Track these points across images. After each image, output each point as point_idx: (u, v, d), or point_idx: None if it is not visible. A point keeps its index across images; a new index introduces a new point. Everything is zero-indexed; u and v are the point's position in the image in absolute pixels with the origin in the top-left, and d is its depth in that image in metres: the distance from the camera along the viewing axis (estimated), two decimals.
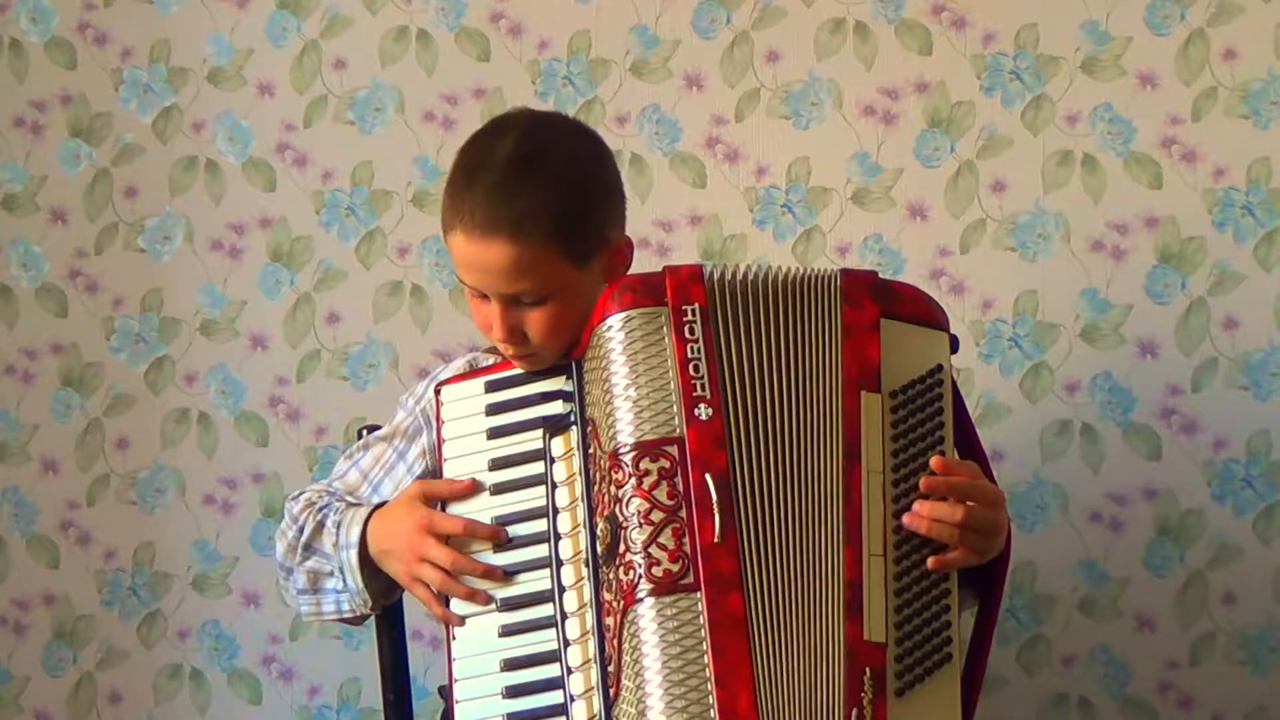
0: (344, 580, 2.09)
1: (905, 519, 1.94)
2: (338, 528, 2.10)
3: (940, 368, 2.02)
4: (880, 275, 2.06)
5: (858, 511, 1.93)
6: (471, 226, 1.99)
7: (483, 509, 2.02)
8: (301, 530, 2.13)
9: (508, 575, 1.99)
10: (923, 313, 2.04)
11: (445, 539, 2.01)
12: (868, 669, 1.89)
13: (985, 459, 2.09)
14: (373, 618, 2.22)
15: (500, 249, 1.98)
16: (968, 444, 2.07)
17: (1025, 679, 2.76)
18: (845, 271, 2.03)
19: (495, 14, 2.85)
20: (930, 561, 1.94)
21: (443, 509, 2.04)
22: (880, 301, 2.02)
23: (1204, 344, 2.72)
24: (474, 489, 2.02)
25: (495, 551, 2.00)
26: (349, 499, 2.17)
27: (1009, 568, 2.08)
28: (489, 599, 2.00)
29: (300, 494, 2.19)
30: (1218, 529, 2.72)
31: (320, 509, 2.14)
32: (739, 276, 2.00)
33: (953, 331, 2.06)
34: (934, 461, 1.97)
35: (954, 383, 2.05)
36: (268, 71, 2.90)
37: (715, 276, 2.00)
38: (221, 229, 2.92)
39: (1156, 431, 2.73)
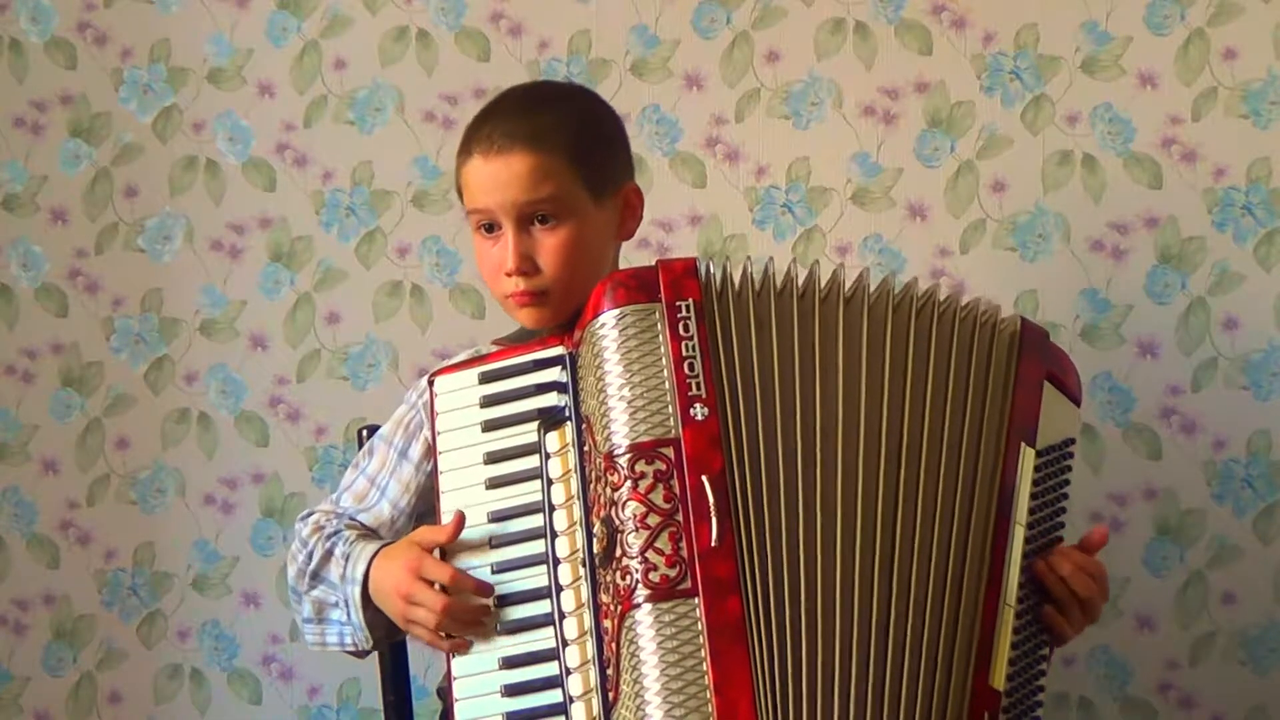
0: (348, 614, 2.08)
1: (1040, 569, 1.97)
2: (345, 560, 2.08)
3: (1073, 440, 2.07)
4: (1050, 336, 2.10)
5: (1002, 559, 1.95)
6: (489, 146, 2.06)
7: (478, 503, 2.00)
8: (311, 556, 2.12)
9: (505, 570, 1.98)
10: (1073, 384, 2.10)
11: (435, 582, 1.99)
12: (985, 713, 1.90)
13: None
14: None
15: (519, 158, 2.05)
16: None
17: None
18: (1024, 321, 2.06)
19: (495, 14, 2.85)
20: (1047, 611, 1.98)
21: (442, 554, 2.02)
22: (1048, 362, 2.06)
23: (1204, 344, 2.72)
24: (461, 523, 1.98)
25: (492, 547, 1.99)
26: (360, 519, 2.16)
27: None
28: (488, 634, 1.97)
29: (310, 514, 2.18)
30: (1218, 529, 2.72)
31: (329, 536, 2.12)
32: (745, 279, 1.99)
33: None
34: (1097, 532, 2.03)
35: None
36: (268, 71, 2.90)
37: (710, 271, 1.99)
38: (221, 229, 2.92)
39: (1156, 431, 2.73)
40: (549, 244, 2.06)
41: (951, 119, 2.77)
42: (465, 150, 2.10)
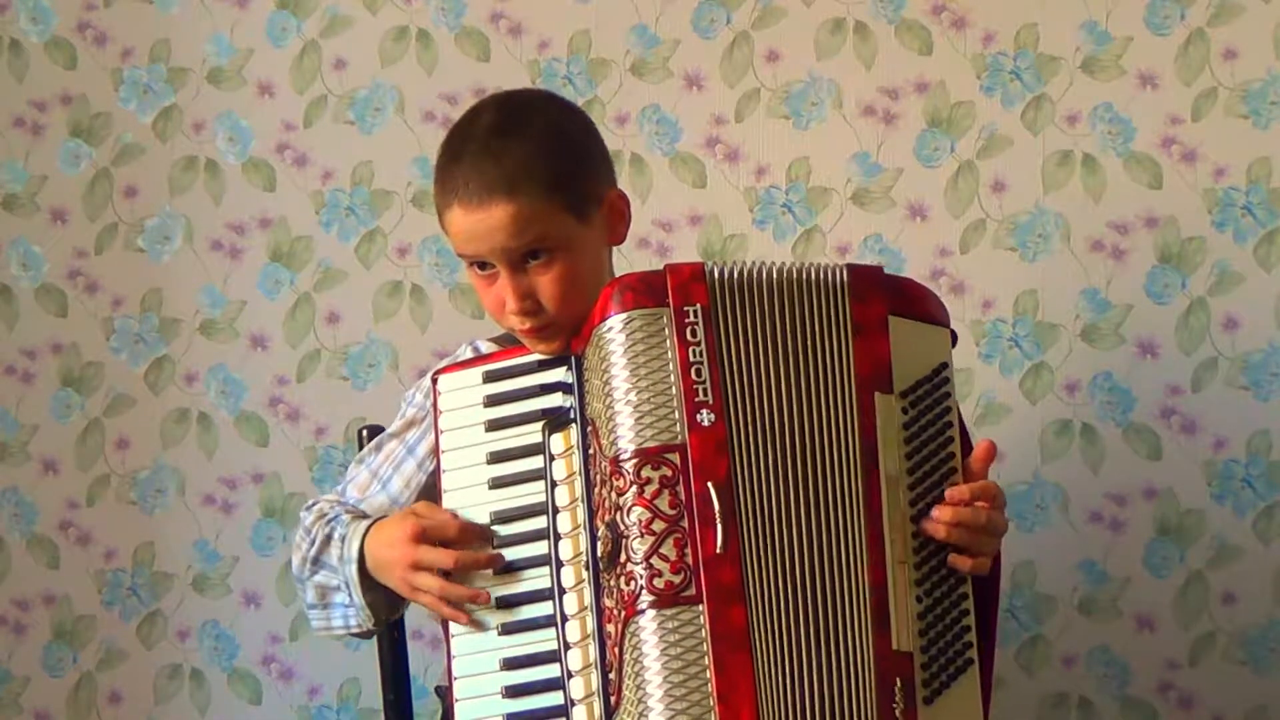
0: (350, 595, 2.08)
1: (925, 525, 1.93)
2: (342, 541, 2.08)
3: (946, 365, 2.00)
4: (884, 270, 2.03)
5: (879, 518, 1.91)
6: (467, 196, 1.99)
7: (481, 503, 2.00)
8: (313, 543, 2.12)
9: (507, 570, 1.98)
10: (928, 309, 2.02)
11: (438, 543, 1.99)
12: (898, 679, 1.88)
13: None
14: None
15: (499, 208, 1.98)
16: (963, 440, 2.04)
17: (1025, 679, 2.76)
18: (851, 267, 1.99)
19: (495, 14, 2.85)
20: (951, 559, 1.93)
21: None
22: (888, 298, 1.98)
23: (1204, 344, 2.72)
24: (472, 530, 1.99)
25: (495, 547, 1.98)
26: (360, 506, 2.16)
27: (1001, 565, 2.06)
28: (490, 598, 1.98)
29: (314, 504, 2.18)
30: (1218, 529, 2.73)
31: (329, 521, 2.12)
32: (740, 273, 1.97)
33: (952, 327, 2.04)
34: (978, 453, 1.97)
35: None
36: (268, 71, 2.90)
37: (717, 274, 1.97)
38: (221, 229, 2.92)
39: (1156, 431, 2.73)
40: (545, 281, 2.01)
41: (951, 119, 2.77)
42: (443, 195, 2.03)
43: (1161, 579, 2.74)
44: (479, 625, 1.98)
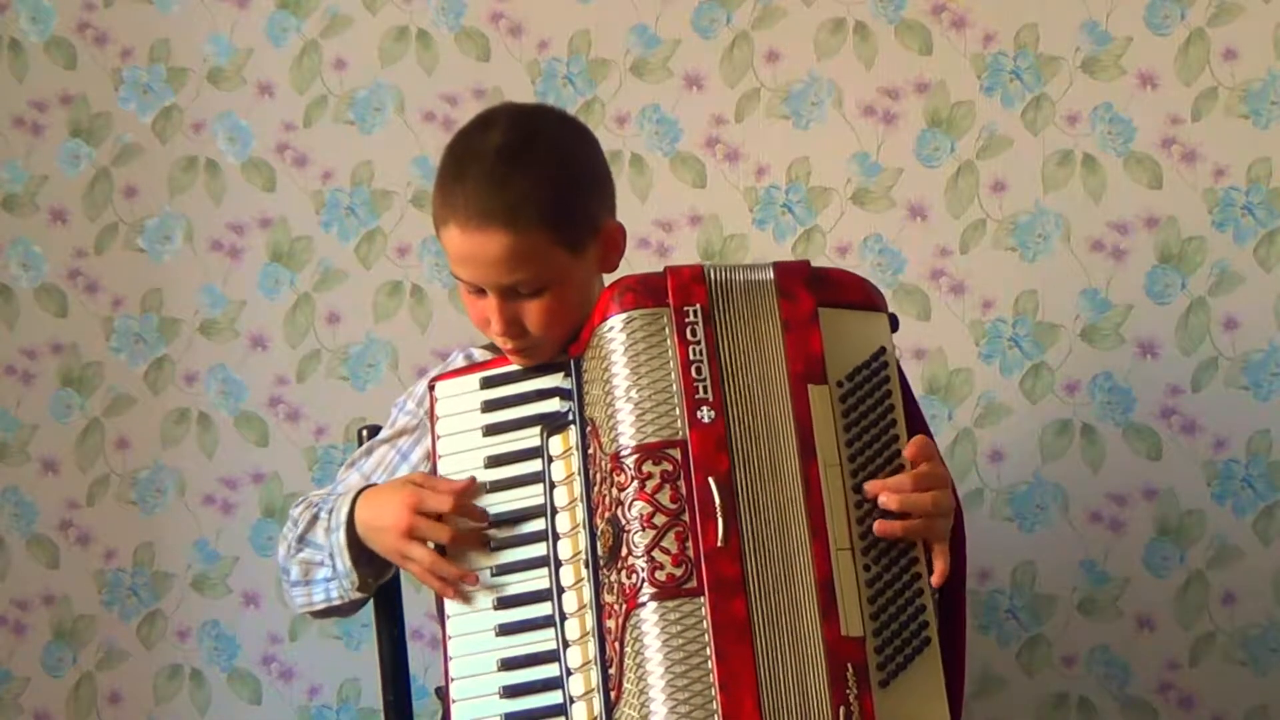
0: (334, 566, 2.08)
1: (877, 528, 1.93)
2: (330, 514, 2.09)
3: (884, 350, 2.01)
4: (812, 264, 2.03)
5: (820, 507, 1.93)
6: (465, 219, 1.98)
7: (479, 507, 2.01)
8: (297, 526, 2.13)
9: (505, 573, 1.98)
10: (860, 296, 2.03)
11: (435, 517, 2.00)
12: (849, 665, 1.89)
13: (929, 434, 2.06)
14: (373, 618, 2.22)
15: (495, 239, 1.97)
16: (913, 421, 2.05)
17: (1025, 679, 2.76)
18: (777, 265, 2.01)
19: (495, 14, 2.85)
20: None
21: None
22: (815, 291, 1.99)
23: (1204, 344, 2.72)
24: (472, 487, 2.01)
25: (494, 550, 1.99)
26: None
27: (965, 539, 2.05)
28: (478, 578, 1.99)
29: (302, 500, 2.19)
30: (1218, 529, 2.73)
31: (316, 505, 2.14)
32: (735, 275, 1.99)
33: (891, 310, 2.05)
34: (912, 445, 1.97)
35: (898, 362, 2.04)
36: (268, 71, 2.90)
37: (715, 276, 1.99)
38: (221, 229, 2.92)
39: (1156, 431, 2.73)
40: (533, 309, 2.01)
41: (951, 119, 2.77)
42: (441, 209, 2.02)
43: (1161, 579, 2.74)
44: (468, 601, 1.99)
